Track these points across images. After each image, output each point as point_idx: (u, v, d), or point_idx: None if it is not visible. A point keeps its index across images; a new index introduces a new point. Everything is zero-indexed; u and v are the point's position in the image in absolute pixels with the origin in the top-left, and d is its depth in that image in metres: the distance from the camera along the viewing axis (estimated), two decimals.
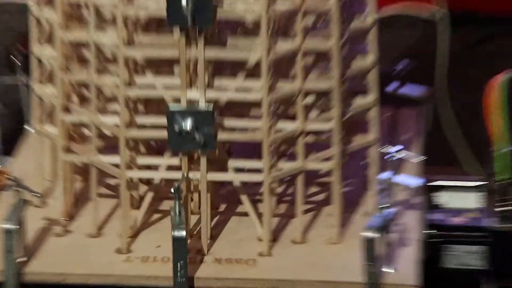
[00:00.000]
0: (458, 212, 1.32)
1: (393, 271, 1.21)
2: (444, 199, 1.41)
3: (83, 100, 1.36)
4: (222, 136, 1.25)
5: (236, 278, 1.21)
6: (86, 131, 1.35)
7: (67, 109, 1.32)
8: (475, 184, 1.41)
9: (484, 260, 1.28)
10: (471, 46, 2.14)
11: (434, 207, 1.35)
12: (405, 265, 1.23)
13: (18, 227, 1.22)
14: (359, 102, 1.32)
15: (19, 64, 1.66)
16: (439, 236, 1.30)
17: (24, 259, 1.22)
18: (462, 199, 1.40)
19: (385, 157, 1.30)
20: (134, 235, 1.28)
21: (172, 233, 1.18)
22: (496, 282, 1.34)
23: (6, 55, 2.13)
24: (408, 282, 1.19)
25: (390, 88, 1.51)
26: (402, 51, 2.15)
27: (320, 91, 1.29)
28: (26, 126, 1.52)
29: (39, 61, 1.42)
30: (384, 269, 1.20)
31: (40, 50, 1.40)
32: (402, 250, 1.26)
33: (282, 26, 1.32)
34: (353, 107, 1.32)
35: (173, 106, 1.21)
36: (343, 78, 1.30)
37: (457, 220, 1.30)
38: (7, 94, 1.73)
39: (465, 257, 1.28)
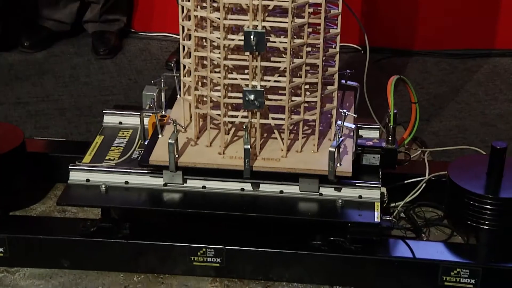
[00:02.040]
0: (370, 139, 2.00)
1: (339, 165, 1.91)
2: (363, 133, 2.11)
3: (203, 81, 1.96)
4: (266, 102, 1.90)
5: (270, 166, 1.92)
6: (205, 98, 1.95)
7: (196, 88, 1.95)
8: (378, 127, 2.13)
9: (377, 160, 1.97)
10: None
11: (359, 137, 2.00)
12: (346, 162, 1.93)
13: (174, 141, 1.88)
14: (330, 88, 2.00)
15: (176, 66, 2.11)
16: (360, 150, 1.97)
17: (177, 155, 1.91)
18: (371, 134, 2.13)
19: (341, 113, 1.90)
20: (226, 147, 1.97)
21: (244, 146, 1.88)
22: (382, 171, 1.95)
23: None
24: (347, 171, 1.91)
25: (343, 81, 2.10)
26: None
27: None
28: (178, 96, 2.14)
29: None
30: (336, 164, 1.90)
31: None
32: (345, 156, 1.95)
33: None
34: (326, 92, 1.97)
35: (245, 88, 1.90)
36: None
37: (369, 143, 1.99)
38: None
39: (371, 159, 1.99)
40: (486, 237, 1.96)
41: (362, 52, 3.03)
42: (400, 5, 3.04)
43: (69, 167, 2.01)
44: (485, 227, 1.95)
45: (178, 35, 1.99)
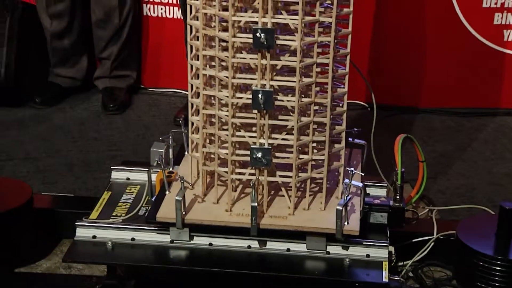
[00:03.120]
0: (377, 198, 1.99)
1: (347, 223, 1.89)
2: (371, 191, 2.09)
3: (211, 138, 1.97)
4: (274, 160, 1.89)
5: (278, 224, 1.90)
6: (212, 155, 1.95)
7: (204, 145, 1.95)
8: (385, 185, 2.12)
9: (385, 219, 1.96)
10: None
11: (367, 195, 1.99)
12: (353, 221, 1.91)
13: (181, 198, 1.87)
14: (337, 146, 2.00)
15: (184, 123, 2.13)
16: (368, 208, 1.96)
17: (184, 212, 1.89)
18: (379, 191, 2.11)
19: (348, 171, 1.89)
20: (233, 204, 1.96)
21: (251, 203, 1.87)
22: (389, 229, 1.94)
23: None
24: (355, 229, 1.89)
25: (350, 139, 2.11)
26: None
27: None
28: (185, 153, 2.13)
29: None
30: (344, 222, 1.88)
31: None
32: (352, 214, 1.93)
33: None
34: (333, 150, 1.95)
35: (253, 146, 1.89)
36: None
37: (376, 201, 1.97)
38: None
39: (379, 218, 1.97)
40: None
41: (369, 109, 3.03)
42: (406, 63, 3.05)
43: (76, 223, 2.00)
44: None
45: (187, 91, 2.00)
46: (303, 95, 1.94)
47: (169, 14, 3.14)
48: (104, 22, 3.02)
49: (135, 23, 3.12)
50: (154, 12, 3.16)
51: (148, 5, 3.15)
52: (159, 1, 3.14)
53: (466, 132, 2.93)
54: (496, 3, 2.91)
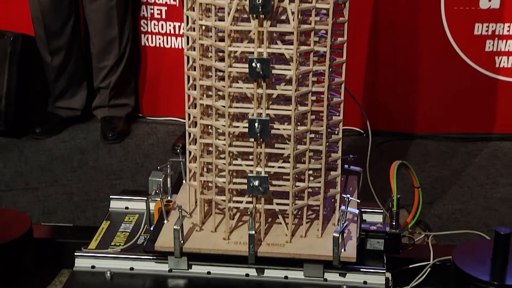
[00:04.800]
0: (373, 224, 1.97)
1: (344, 250, 1.87)
2: (367, 217, 2.08)
3: (209, 167, 1.95)
4: (271, 188, 1.89)
5: (275, 252, 1.89)
6: (210, 184, 1.95)
7: (201, 174, 1.93)
8: (381, 211, 2.12)
9: (382, 245, 1.94)
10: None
11: (363, 222, 1.98)
12: (350, 247, 1.89)
13: (179, 227, 1.86)
14: (333, 174, 1.97)
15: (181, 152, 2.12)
16: (364, 234, 1.94)
17: (182, 241, 1.88)
18: (375, 218, 2.11)
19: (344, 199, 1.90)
20: (231, 232, 1.95)
21: (248, 231, 1.86)
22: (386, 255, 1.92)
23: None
24: (352, 256, 1.87)
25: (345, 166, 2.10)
26: None
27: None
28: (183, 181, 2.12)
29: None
30: (341, 249, 1.86)
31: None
32: (349, 241, 1.92)
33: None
34: (329, 177, 1.95)
35: (250, 174, 1.87)
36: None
37: (373, 228, 1.95)
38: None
39: (375, 244, 1.95)
40: None
41: (364, 135, 3.02)
42: (400, 89, 3.04)
43: (75, 253, 1.98)
44: None
45: (184, 119, 2.00)
46: (299, 123, 1.93)
47: (167, 44, 3.15)
48: (103, 53, 3.02)
49: (134, 52, 3.12)
50: (152, 42, 3.17)
51: (146, 35, 3.16)
52: (157, 31, 3.15)
53: (461, 157, 2.92)
54: (487, 31, 2.92)
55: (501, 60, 2.96)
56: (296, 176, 1.93)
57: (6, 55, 2.93)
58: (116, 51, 3.00)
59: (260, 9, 1.78)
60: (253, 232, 1.87)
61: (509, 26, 2.86)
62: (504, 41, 2.91)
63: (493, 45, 2.92)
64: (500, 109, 3.01)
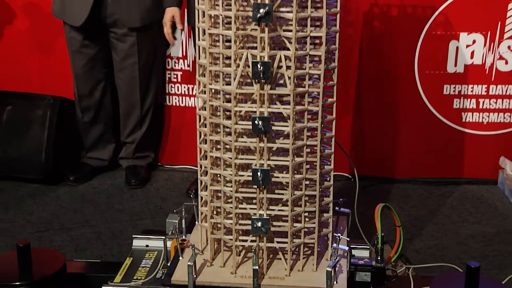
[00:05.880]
0: (361, 259, 1.95)
1: (336, 283, 1.86)
2: (355, 252, 2.03)
3: (218, 210, 1.92)
4: (271, 228, 1.86)
5: (276, 285, 1.88)
6: (219, 225, 1.92)
7: (211, 216, 1.92)
8: (368, 247, 2.04)
9: (369, 277, 1.89)
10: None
11: (352, 257, 1.92)
12: (341, 280, 1.88)
13: (192, 263, 1.86)
14: (326, 215, 1.94)
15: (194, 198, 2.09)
16: (354, 268, 1.91)
17: (195, 275, 1.87)
18: (362, 253, 2.05)
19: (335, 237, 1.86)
20: (237, 267, 1.93)
21: (252, 267, 1.86)
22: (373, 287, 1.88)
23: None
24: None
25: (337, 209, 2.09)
26: None
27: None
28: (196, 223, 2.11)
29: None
30: (333, 282, 1.85)
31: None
32: (340, 274, 1.90)
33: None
34: (322, 218, 1.91)
35: (254, 217, 1.85)
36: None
37: (360, 262, 1.93)
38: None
39: (363, 276, 1.91)
40: None
41: (352, 179, 3.00)
42: (383, 140, 3.02)
43: (102, 287, 1.95)
44: None
45: (197, 167, 1.98)
46: (295, 172, 1.91)
47: (188, 103, 3.16)
48: (128, 114, 3.03)
49: (158, 112, 3.11)
50: (175, 103, 3.18)
51: (172, 97, 3.18)
52: (180, 92, 3.16)
53: (436, 199, 2.88)
54: (454, 91, 2.93)
55: (467, 115, 2.96)
56: (294, 217, 1.92)
57: (46, 116, 2.95)
58: (138, 113, 3.01)
59: (261, 75, 1.79)
60: (257, 267, 1.86)
61: (472, 87, 2.88)
62: (469, 99, 2.92)
63: (459, 102, 2.92)
64: (467, 157, 3.00)
